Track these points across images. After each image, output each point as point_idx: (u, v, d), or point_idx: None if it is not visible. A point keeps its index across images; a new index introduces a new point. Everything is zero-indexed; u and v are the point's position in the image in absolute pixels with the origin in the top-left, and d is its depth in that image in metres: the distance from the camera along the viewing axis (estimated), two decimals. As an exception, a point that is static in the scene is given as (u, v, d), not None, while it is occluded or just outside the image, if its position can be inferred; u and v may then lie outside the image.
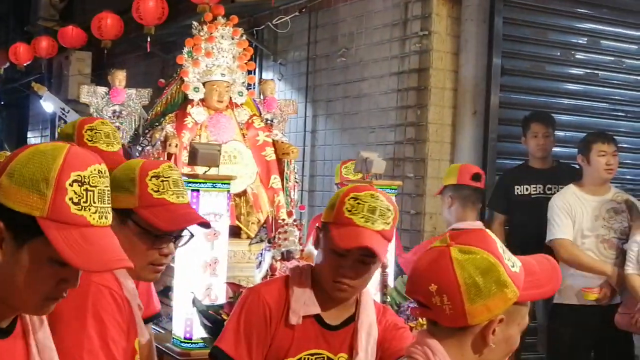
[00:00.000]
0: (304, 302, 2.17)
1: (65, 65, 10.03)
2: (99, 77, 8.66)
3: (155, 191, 2.04)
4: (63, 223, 1.36)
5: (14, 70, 11.31)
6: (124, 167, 2.10)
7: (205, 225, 2.17)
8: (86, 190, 1.39)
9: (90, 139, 2.44)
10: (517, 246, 5.15)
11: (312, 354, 2.22)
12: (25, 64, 10.51)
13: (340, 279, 2.15)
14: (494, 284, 1.57)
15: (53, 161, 1.37)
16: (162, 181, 2.05)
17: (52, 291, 1.42)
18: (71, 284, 1.43)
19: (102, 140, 2.46)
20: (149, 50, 7.22)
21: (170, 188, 2.06)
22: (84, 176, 1.39)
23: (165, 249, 2.07)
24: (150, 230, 2.01)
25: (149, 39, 7.13)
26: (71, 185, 1.37)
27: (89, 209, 1.39)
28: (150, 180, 2.04)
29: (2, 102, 13.81)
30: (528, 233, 5.01)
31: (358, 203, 2.13)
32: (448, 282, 1.56)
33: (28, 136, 12.00)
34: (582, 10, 6.14)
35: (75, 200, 1.37)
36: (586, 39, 6.24)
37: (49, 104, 5.39)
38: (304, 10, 6.57)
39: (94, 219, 1.39)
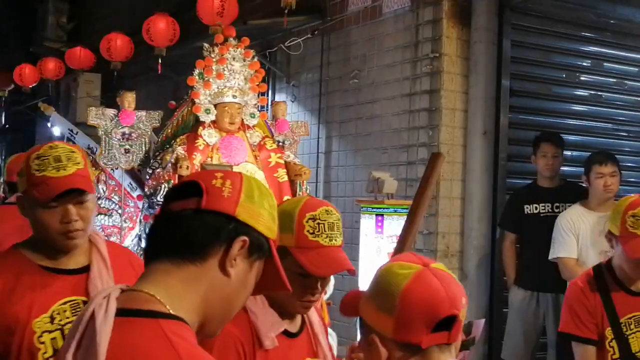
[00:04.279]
0: (271, 324, 2.14)
1: (74, 87, 9.92)
2: (109, 99, 8.56)
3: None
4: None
5: (19, 93, 11.05)
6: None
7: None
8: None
9: (37, 169, 2.29)
10: (528, 264, 5.30)
11: None
12: (31, 86, 10.28)
13: (309, 297, 2.16)
14: None
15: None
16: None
17: None
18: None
19: (51, 165, 2.28)
20: (160, 72, 7.23)
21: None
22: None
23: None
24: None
25: (160, 61, 7.14)
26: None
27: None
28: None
29: (7, 126, 13.69)
30: (538, 251, 5.13)
31: (318, 223, 2.10)
32: (464, 293, 1.72)
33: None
34: (586, 34, 6.30)
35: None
36: (590, 61, 6.40)
37: (56, 126, 5.44)
38: (316, 32, 6.63)
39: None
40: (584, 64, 6.38)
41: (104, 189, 4.83)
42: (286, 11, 5.58)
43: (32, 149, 2.39)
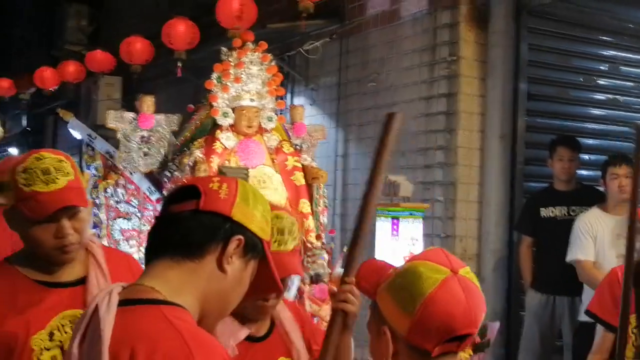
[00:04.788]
0: (230, 332, 2.14)
1: (94, 90, 9.96)
2: (129, 102, 8.51)
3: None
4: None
5: (41, 96, 11.15)
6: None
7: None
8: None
9: (25, 183, 2.16)
10: (545, 268, 5.31)
11: None
12: (51, 89, 10.38)
13: (264, 303, 2.19)
14: None
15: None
16: None
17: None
18: None
19: (39, 179, 2.15)
20: (179, 75, 7.28)
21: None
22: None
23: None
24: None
25: (179, 64, 7.19)
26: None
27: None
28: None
29: (29, 128, 13.78)
30: (555, 255, 5.15)
31: None
32: (485, 306, 1.67)
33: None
34: (603, 37, 6.30)
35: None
36: (607, 65, 6.40)
37: (75, 131, 5.49)
38: (334, 36, 6.67)
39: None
40: (601, 67, 6.38)
41: (123, 192, 4.88)
42: (304, 15, 5.60)
43: (17, 160, 2.25)
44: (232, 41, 4.98)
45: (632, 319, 3.20)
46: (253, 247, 1.66)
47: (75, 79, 9.93)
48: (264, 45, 4.83)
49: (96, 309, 1.51)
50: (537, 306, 5.37)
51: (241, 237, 1.62)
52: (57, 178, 2.17)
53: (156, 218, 1.69)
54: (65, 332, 2.20)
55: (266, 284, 1.74)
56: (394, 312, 1.67)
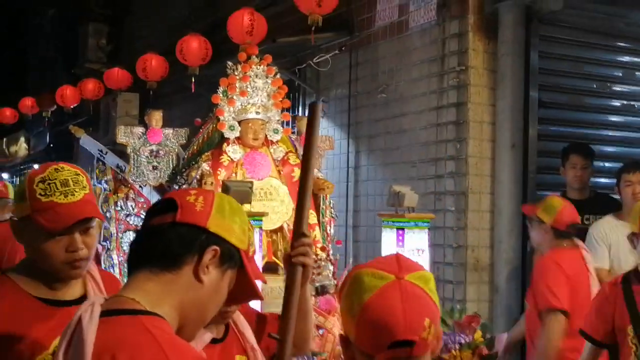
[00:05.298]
0: (198, 337, 2.11)
1: (113, 107, 10.15)
2: None
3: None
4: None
5: (62, 113, 11.45)
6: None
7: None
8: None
9: (43, 193, 2.16)
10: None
11: None
12: (72, 107, 10.63)
13: (227, 309, 2.19)
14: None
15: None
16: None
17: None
18: None
19: (58, 191, 2.16)
20: (193, 90, 7.36)
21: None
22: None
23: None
24: None
25: (193, 80, 7.28)
26: None
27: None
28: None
29: (52, 145, 14.05)
30: (568, 263, 5.08)
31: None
32: (433, 311, 1.61)
33: (77, 178, 12.02)
34: (617, 44, 6.24)
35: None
36: (622, 71, 6.33)
37: (87, 147, 5.57)
38: (343, 48, 6.69)
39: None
40: (616, 73, 6.31)
41: (133, 205, 4.93)
42: (313, 28, 5.62)
43: (33, 172, 2.26)
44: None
45: (630, 330, 3.19)
46: (230, 257, 1.70)
47: (95, 96, 10.18)
48: (269, 58, 4.87)
49: (80, 320, 1.57)
50: (552, 316, 5.30)
51: (217, 247, 1.67)
52: (75, 191, 2.18)
53: (137, 231, 1.73)
54: None
55: (245, 292, 1.80)
56: (345, 318, 1.69)
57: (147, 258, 1.66)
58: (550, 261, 4.46)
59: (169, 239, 1.65)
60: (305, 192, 2.21)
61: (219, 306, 1.75)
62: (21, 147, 17.09)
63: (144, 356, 1.49)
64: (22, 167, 16.05)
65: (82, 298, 2.26)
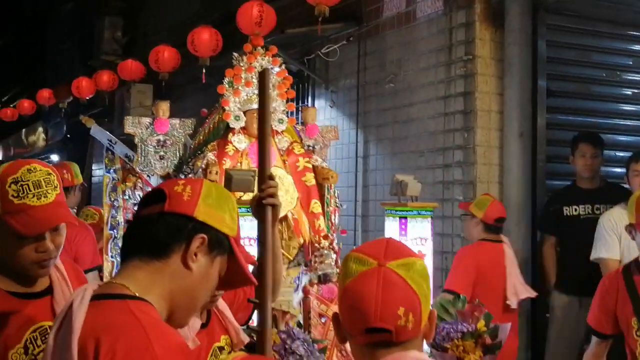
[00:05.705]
0: (189, 326, 2.13)
1: (127, 98, 10.23)
2: None
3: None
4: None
5: (78, 104, 11.51)
6: None
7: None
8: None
9: (16, 195, 2.14)
10: (569, 267, 5.22)
11: (215, 350, 2.32)
12: (87, 98, 10.68)
13: (215, 292, 2.18)
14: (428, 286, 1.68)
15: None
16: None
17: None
18: None
19: (31, 193, 2.14)
20: (204, 81, 7.39)
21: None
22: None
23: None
24: None
25: (204, 70, 7.31)
26: None
27: None
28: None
29: (69, 135, 14.21)
30: (578, 254, 5.04)
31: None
32: (412, 300, 1.61)
33: (93, 168, 12.21)
34: (626, 32, 6.22)
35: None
36: (632, 59, 6.29)
37: (97, 137, 5.63)
38: (351, 38, 6.72)
39: None
40: (625, 62, 6.28)
41: (140, 195, 4.97)
42: (320, 19, 5.63)
43: (5, 171, 2.20)
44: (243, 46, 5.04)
45: (634, 322, 3.17)
46: (218, 244, 1.75)
47: (109, 87, 10.21)
48: (274, 49, 4.88)
49: (72, 304, 1.63)
50: (561, 307, 5.29)
51: (204, 235, 1.72)
52: (47, 192, 2.18)
53: (128, 222, 1.79)
54: (38, 346, 2.18)
55: (237, 278, 1.85)
56: (338, 299, 1.73)
57: (137, 247, 1.72)
58: (469, 250, 4.92)
59: (157, 229, 1.71)
60: (264, 138, 2.38)
61: (209, 293, 1.80)
62: (39, 138, 17.27)
63: (127, 338, 1.54)
64: (41, 156, 16.22)
65: (49, 288, 2.29)
